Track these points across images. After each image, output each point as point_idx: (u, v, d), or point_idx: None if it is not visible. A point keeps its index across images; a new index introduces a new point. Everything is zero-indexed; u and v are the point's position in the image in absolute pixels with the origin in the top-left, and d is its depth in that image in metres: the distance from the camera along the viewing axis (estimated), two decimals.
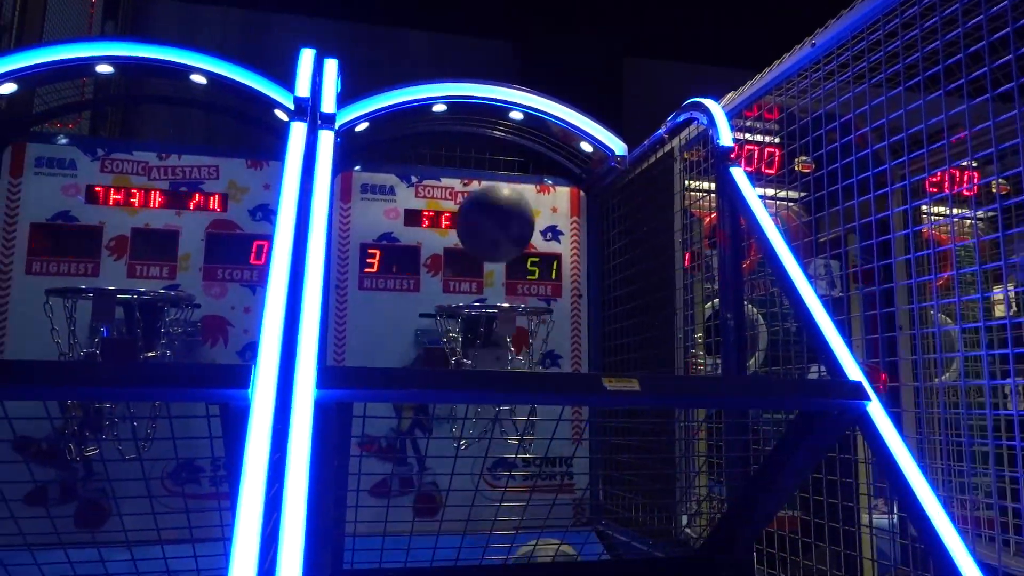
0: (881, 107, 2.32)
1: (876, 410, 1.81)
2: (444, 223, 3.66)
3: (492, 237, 2.87)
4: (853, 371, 1.90)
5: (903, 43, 2.25)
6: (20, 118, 3.35)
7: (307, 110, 2.32)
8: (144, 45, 2.99)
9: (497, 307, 3.17)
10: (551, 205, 3.80)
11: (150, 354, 2.91)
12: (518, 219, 2.89)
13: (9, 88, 2.99)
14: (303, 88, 2.36)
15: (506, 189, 2.97)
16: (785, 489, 2.06)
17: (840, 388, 1.83)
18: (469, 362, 3.11)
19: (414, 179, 3.68)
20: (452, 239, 3.65)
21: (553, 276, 3.73)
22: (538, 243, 3.74)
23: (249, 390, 1.54)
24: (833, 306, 2.22)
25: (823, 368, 2.00)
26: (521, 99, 3.44)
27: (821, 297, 2.13)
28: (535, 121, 3.58)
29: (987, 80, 1.97)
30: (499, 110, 3.51)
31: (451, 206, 3.68)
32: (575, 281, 3.75)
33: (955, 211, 3.15)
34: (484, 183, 3.34)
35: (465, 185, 3.72)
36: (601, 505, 3.49)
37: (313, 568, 1.55)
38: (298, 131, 2.20)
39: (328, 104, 2.38)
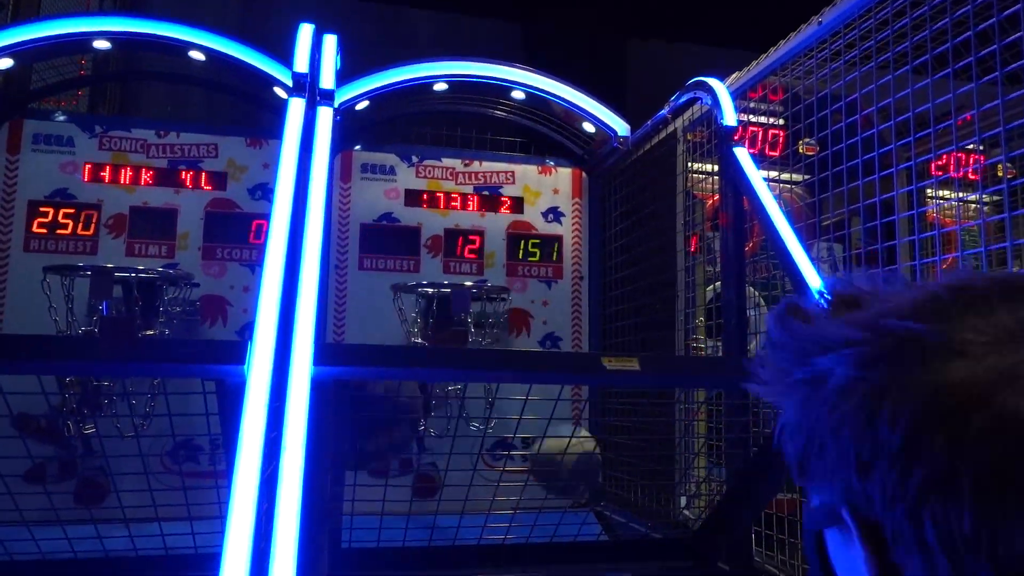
0: (887, 87, 2.29)
1: None
2: (445, 203, 3.64)
3: None
4: None
5: (911, 22, 2.22)
6: (17, 95, 3.32)
7: (306, 86, 2.29)
8: (141, 20, 2.96)
9: (451, 285, 3.12)
10: (552, 186, 3.77)
11: (148, 333, 2.90)
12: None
13: (6, 63, 2.96)
14: (301, 63, 2.33)
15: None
16: (784, 471, 2.05)
17: None
18: (422, 341, 3.10)
19: (415, 159, 3.65)
20: (452, 220, 3.63)
21: (554, 258, 3.71)
22: (539, 224, 3.72)
23: (245, 366, 1.53)
24: None
25: None
26: (524, 78, 3.40)
27: (824, 279, 2.12)
28: (537, 101, 3.55)
29: (996, 60, 1.94)
30: (501, 89, 3.47)
31: (452, 186, 3.66)
32: (576, 263, 3.73)
33: (960, 194, 3.13)
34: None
35: (466, 165, 3.69)
36: (600, 487, 3.49)
37: (310, 546, 1.54)
38: (296, 107, 2.17)
39: (327, 80, 2.36)
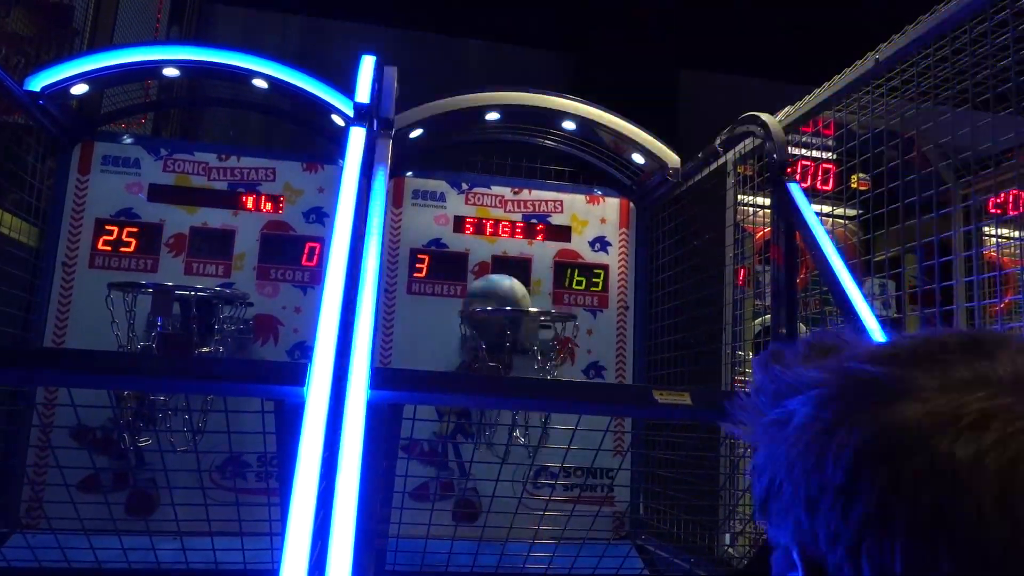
0: (945, 125, 2.27)
1: None
2: (492, 231, 3.68)
3: None
4: None
5: (973, 59, 2.20)
6: (89, 118, 3.48)
7: (366, 115, 2.36)
8: (210, 49, 3.09)
9: (519, 311, 3.15)
10: (600, 216, 3.79)
11: (204, 350, 2.98)
12: None
13: (81, 89, 3.11)
14: (363, 93, 2.40)
15: None
16: None
17: None
18: (493, 364, 3.11)
19: (464, 186, 3.71)
20: (500, 247, 3.67)
21: (600, 287, 3.71)
22: (586, 253, 3.73)
23: (305, 388, 1.57)
24: (889, 327, 2.17)
25: None
26: (575, 109, 3.45)
27: (878, 318, 2.09)
28: (587, 131, 3.59)
29: None
30: (552, 119, 3.52)
31: (501, 214, 3.70)
32: (622, 293, 3.73)
33: (1020, 233, 3.06)
34: None
35: (515, 193, 3.74)
36: (641, 519, 3.45)
37: (359, 567, 1.56)
38: (357, 136, 2.24)
39: (387, 110, 2.42)
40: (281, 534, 1.48)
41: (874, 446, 0.46)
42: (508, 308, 3.15)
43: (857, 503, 0.45)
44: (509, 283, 3.23)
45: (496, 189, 3.73)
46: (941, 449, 0.43)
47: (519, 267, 3.63)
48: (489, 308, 3.13)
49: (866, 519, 0.45)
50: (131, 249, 3.33)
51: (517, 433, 2.83)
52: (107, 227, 3.33)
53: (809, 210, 2.38)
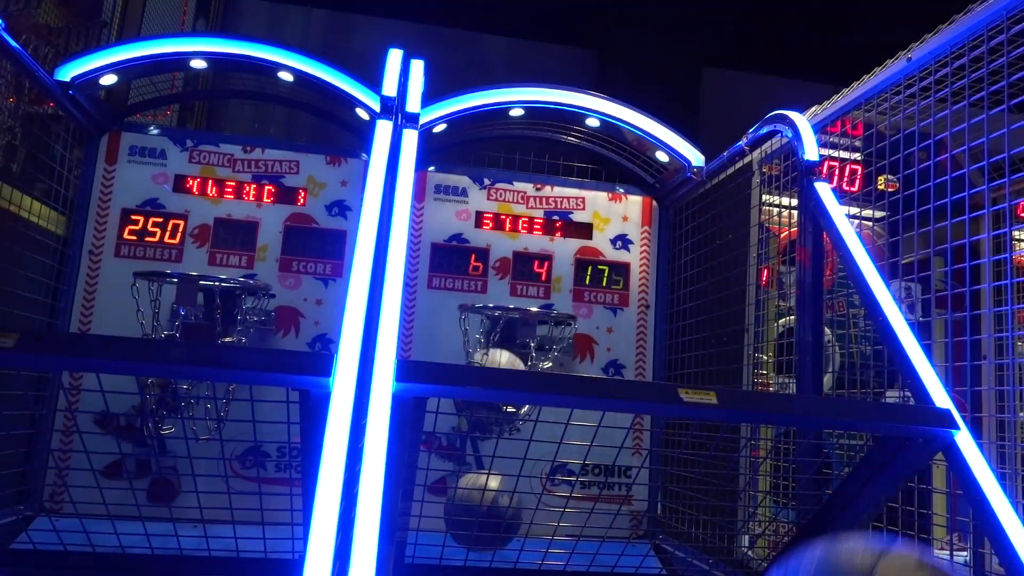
0: (979, 127, 2.23)
1: (965, 440, 1.74)
2: (513, 227, 3.68)
3: None
4: (941, 398, 1.82)
5: (1007, 60, 2.16)
6: (117, 109, 3.51)
7: (393, 109, 2.36)
8: (237, 41, 3.10)
9: (518, 309, 3.15)
10: (622, 214, 3.78)
11: (226, 340, 3.00)
12: None
13: (110, 80, 3.14)
14: (390, 87, 2.40)
15: None
16: (859, 517, 1.99)
17: (927, 414, 1.76)
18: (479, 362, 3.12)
19: (487, 181, 3.71)
20: (521, 243, 3.67)
21: (621, 285, 3.70)
22: (607, 251, 3.72)
23: (330, 379, 1.57)
24: (916, 330, 2.14)
25: (906, 393, 1.93)
26: (598, 106, 3.43)
27: (907, 321, 2.06)
28: (610, 129, 3.57)
29: None
30: (575, 116, 3.51)
31: (522, 210, 3.70)
32: (643, 291, 3.72)
33: None
34: None
35: (537, 190, 3.73)
36: (659, 519, 3.44)
37: (381, 559, 1.56)
38: (383, 129, 2.24)
39: (413, 104, 2.43)
40: (304, 524, 1.49)
41: None
42: (509, 307, 3.17)
43: None
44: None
45: (518, 185, 3.73)
46: None
47: (540, 263, 3.63)
48: (491, 304, 3.16)
49: None
50: (156, 239, 3.36)
51: (526, 428, 2.82)
52: (133, 217, 3.36)
53: (838, 210, 2.35)
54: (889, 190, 2.87)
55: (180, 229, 3.39)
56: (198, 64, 3.22)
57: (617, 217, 3.77)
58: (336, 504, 1.41)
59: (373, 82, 2.83)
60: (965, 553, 2.26)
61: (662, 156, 3.56)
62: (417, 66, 2.60)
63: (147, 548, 2.21)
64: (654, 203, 3.82)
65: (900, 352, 1.93)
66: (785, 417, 1.88)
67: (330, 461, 1.46)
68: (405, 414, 1.71)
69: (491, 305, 3.23)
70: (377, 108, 2.56)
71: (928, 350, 2.14)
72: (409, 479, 1.98)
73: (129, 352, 1.49)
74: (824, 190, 2.42)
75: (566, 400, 1.66)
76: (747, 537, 2.84)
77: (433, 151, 3.71)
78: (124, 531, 2.23)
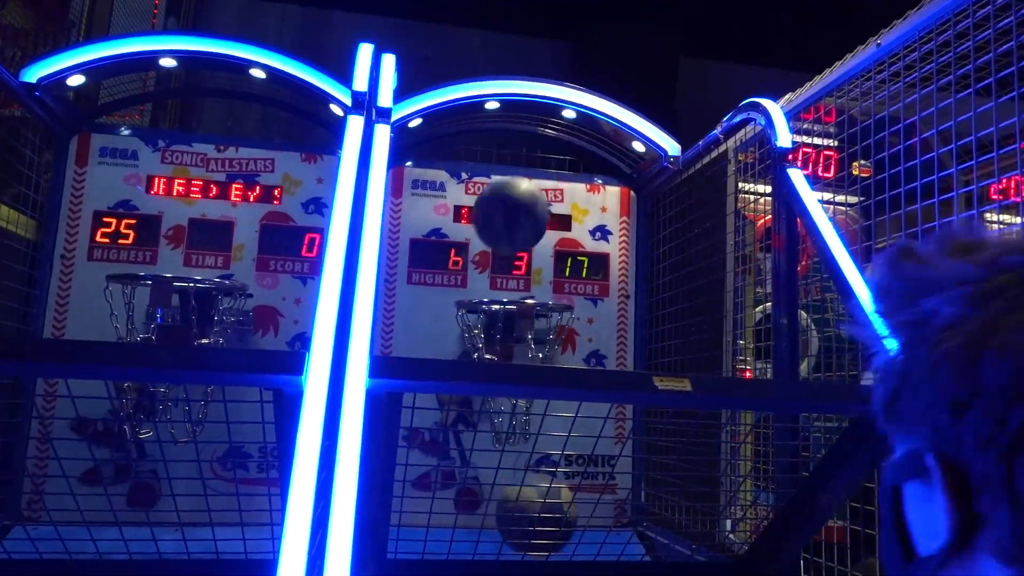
0: (947, 111, 2.25)
1: None
2: None
3: (504, 231, 2.91)
4: None
5: (974, 44, 2.18)
6: (86, 110, 3.47)
7: (364, 104, 2.34)
8: (207, 39, 3.06)
9: (516, 303, 3.15)
10: (601, 204, 3.78)
11: (203, 341, 2.97)
12: (530, 216, 2.90)
13: (78, 80, 3.10)
14: (361, 82, 2.39)
15: (523, 184, 3.00)
16: (836, 498, 2.01)
17: None
18: (490, 357, 3.12)
19: (464, 176, 3.69)
20: None
21: (601, 276, 3.71)
22: (587, 242, 3.72)
23: (302, 377, 1.56)
24: None
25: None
26: (574, 97, 3.43)
27: None
28: (587, 120, 3.57)
29: None
30: (552, 108, 3.50)
31: None
32: (623, 281, 3.73)
33: (1022, 219, 3.04)
34: (498, 178, 3.29)
35: None
36: (642, 506, 3.46)
37: (359, 556, 1.56)
38: (355, 125, 2.22)
39: (385, 99, 2.41)
40: (281, 524, 1.48)
41: None
42: (504, 301, 3.16)
43: (1019, 409, 0.42)
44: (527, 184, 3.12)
45: (496, 178, 3.71)
46: None
47: (520, 256, 3.62)
48: (486, 301, 3.14)
49: None
50: (130, 241, 3.32)
51: (515, 421, 2.83)
52: (105, 219, 3.32)
53: (810, 196, 2.37)
54: (863, 175, 2.89)
55: (154, 231, 3.35)
56: (168, 63, 3.18)
57: (596, 208, 3.77)
58: (310, 502, 1.41)
59: (348, 78, 2.81)
60: None
61: (639, 146, 3.57)
62: (388, 60, 2.58)
63: (125, 554, 2.19)
64: (632, 193, 3.83)
65: None
66: (758, 402, 1.89)
67: (303, 459, 1.45)
68: (380, 410, 1.70)
69: (486, 300, 3.21)
70: (350, 103, 2.54)
71: None
72: (388, 475, 1.97)
73: (94, 357, 1.47)
74: (796, 176, 2.44)
75: (542, 392, 1.66)
76: (729, 521, 2.86)
77: (410, 146, 3.69)
78: (102, 537, 2.21)
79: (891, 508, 0.53)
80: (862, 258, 2.59)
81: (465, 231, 3.63)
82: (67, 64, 3.01)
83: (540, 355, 3.20)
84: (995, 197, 3.29)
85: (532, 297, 3.55)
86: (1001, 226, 3.46)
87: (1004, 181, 3.13)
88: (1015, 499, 0.41)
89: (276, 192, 3.48)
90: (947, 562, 0.47)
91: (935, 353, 0.47)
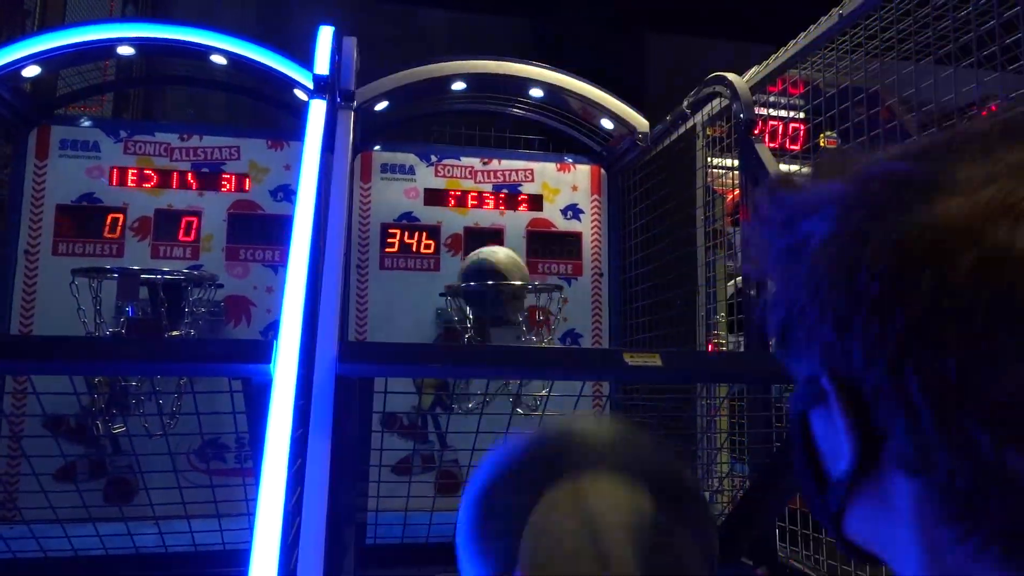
0: (909, 77, 2.27)
1: None
2: (464, 202, 3.65)
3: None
4: None
5: (934, 12, 2.19)
6: (45, 101, 3.39)
7: (326, 88, 2.31)
8: (164, 26, 3.00)
9: (506, 285, 3.11)
10: (571, 184, 3.77)
11: (174, 333, 2.94)
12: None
13: (33, 71, 3.02)
14: (322, 66, 2.35)
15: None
16: None
17: None
18: (480, 340, 3.10)
19: (434, 158, 3.67)
20: (472, 218, 3.64)
21: (573, 255, 3.71)
22: (559, 222, 3.72)
23: (271, 365, 1.55)
24: None
25: None
26: (541, 76, 3.41)
27: None
28: (555, 98, 3.55)
29: (1021, 49, 1.91)
30: (518, 87, 3.48)
31: (471, 185, 3.67)
32: (596, 259, 3.73)
33: None
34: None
35: (485, 164, 3.70)
36: None
37: (336, 542, 1.56)
38: (317, 109, 2.20)
39: (348, 81, 2.38)
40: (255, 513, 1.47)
41: (915, 249, 0.41)
42: (498, 282, 3.11)
43: (898, 313, 0.41)
44: (505, 254, 3.15)
45: (466, 160, 3.69)
46: (999, 239, 0.38)
47: (492, 238, 3.61)
48: (489, 283, 3.07)
49: (910, 330, 0.40)
50: (94, 234, 3.26)
51: (489, 400, 2.82)
52: (69, 213, 3.26)
53: (776, 168, 2.38)
54: (830, 146, 2.91)
55: (119, 223, 3.29)
56: (126, 51, 3.10)
57: (567, 187, 3.77)
58: (282, 490, 1.40)
59: (310, 62, 2.76)
60: None
61: (607, 123, 3.56)
62: (349, 43, 2.54)
63: (101, 549, 2.17)
64: (602, 171, 3.82)
65: None
66: (727, 374, 1.91)
67: (274, 447, 1.45)
68: (351, 395, 1.70)
69: (472, 284, 3.13)
70: (312, 87, 2.51)
71: None
72: (364, 460, 1.97)
73: (58, 352, 1.45)
74: (762, 150, 2.45)
75: (512, 372, 1.66)
76: (707, 493, 2.90)
77: (378, 130, 3.65)
78: (77, 534, 2.19)
79: (801, 439, 0.52)
80: None
81: (436, 214, 3.61)
82: (21, 55, 2.93)
83: (534, 338, 3.19)
84: None
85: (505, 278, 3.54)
86: None
87: None
88: (909, 407, 0.41)
89: (243, 180, 3.43)
90: (858, 482, 0.46)
91: (814, 273, 0.47)
